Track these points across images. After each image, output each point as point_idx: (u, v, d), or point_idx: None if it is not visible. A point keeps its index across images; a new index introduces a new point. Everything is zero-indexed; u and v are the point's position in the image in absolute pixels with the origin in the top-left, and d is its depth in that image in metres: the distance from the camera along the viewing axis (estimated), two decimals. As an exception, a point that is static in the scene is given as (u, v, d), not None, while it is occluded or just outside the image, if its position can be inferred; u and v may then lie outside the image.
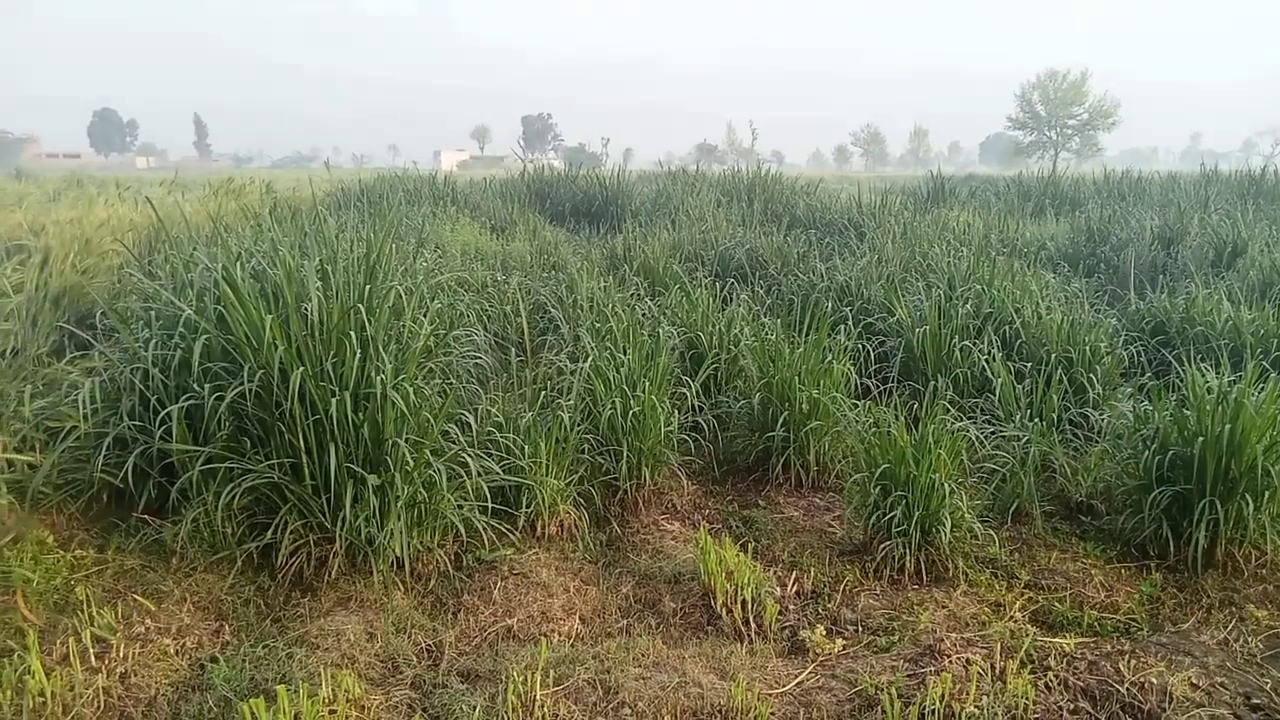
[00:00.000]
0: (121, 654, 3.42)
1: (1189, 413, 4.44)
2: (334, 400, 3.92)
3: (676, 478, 5.29)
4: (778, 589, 4.21)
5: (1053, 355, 6.11)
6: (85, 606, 3.63)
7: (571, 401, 5.01)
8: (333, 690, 3.12)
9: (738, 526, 5.02)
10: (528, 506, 4.58)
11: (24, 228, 7.82)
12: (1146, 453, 4.52)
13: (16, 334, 5.13)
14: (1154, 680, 3.30)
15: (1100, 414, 5.61)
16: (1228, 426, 4.20)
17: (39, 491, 4.22)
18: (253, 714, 2.78)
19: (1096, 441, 5.37)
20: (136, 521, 4.29)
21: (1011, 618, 3.92)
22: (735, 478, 5.64)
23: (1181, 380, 4.83)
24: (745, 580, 3.98)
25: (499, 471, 4.49)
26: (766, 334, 6.10)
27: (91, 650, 3.39)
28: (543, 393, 5.13)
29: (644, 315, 6.85)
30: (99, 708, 3.18)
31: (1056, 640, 3.66)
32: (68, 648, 3.33)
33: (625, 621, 3.99)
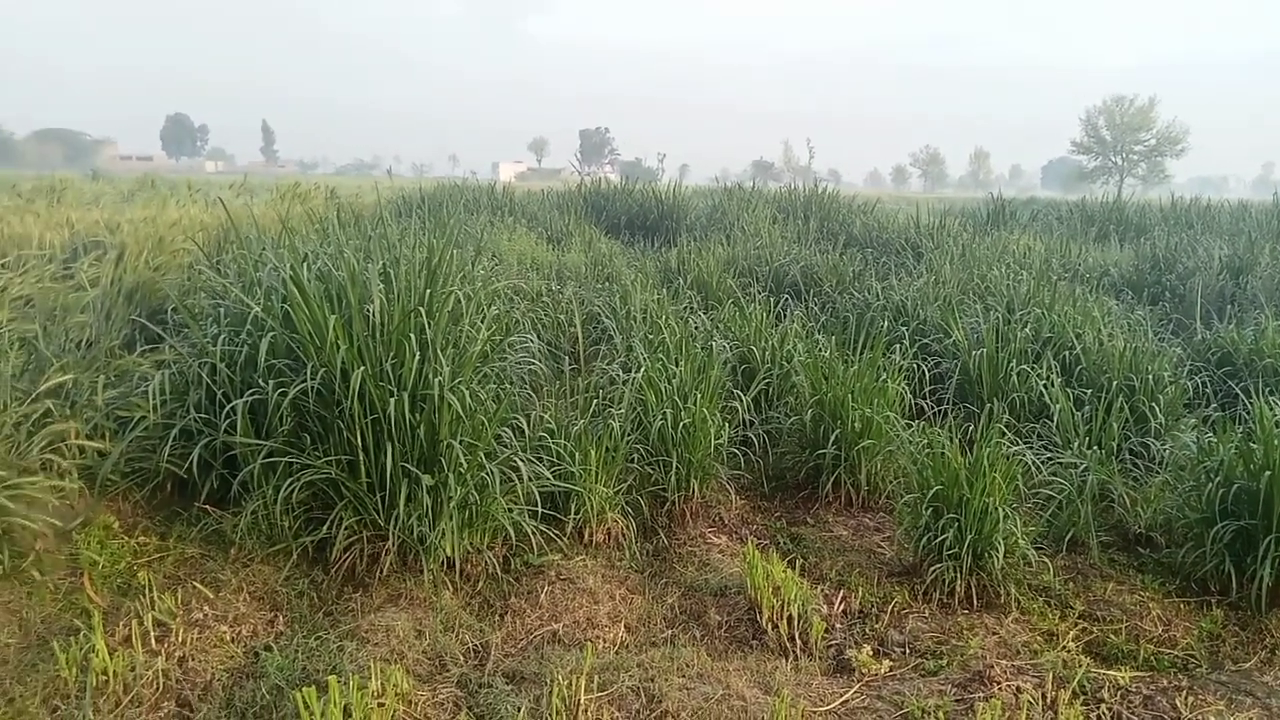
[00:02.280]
0: (180, 638, 3.52)
1: (1256, 446, 4.32)
2: (392, 400, 4.00)
3: (725, 491, 5.28)
4: (824, 607, 4.18)
5: (1114, 383, 5.98)
6: (147, 591, 3.74)
7: (622, 411, 5.04)
8: (382, 684, 3.17)
9: (785, 543, 5.00)
10: (576, 513, 4.61)
11: (101, 225, 8.11)
12: (1210, 485, 4.40)
13: (91, 326, 5.32)
14: (1213, 719, 3.20)
15: (1162, 444, 5.48)
16: (1297, 461, 4.07)
17: (107, 478, 4.37)
18: (305, 703, 2.84)
19: (1157, 472, 5.24)
20: (198, 511, 4.42)
21: (1065, 647, 3.84)
22: (784, 494, 5.62)
23: (1249, 413, 4.70)
24: (792, 596, 3.96)
25: (549, 477, 4.53)
26: (820, 351, 6.08)
27: (152, 633, 3.49)
28: (594, 401, 5.17)
29: (697, 328, 6.87)
30: (157, 689, 3.27)
31: (1111, 673, 3.58)
32: (130, 630, 3.44)
33: (670, 632, 3.99)
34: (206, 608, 3.78)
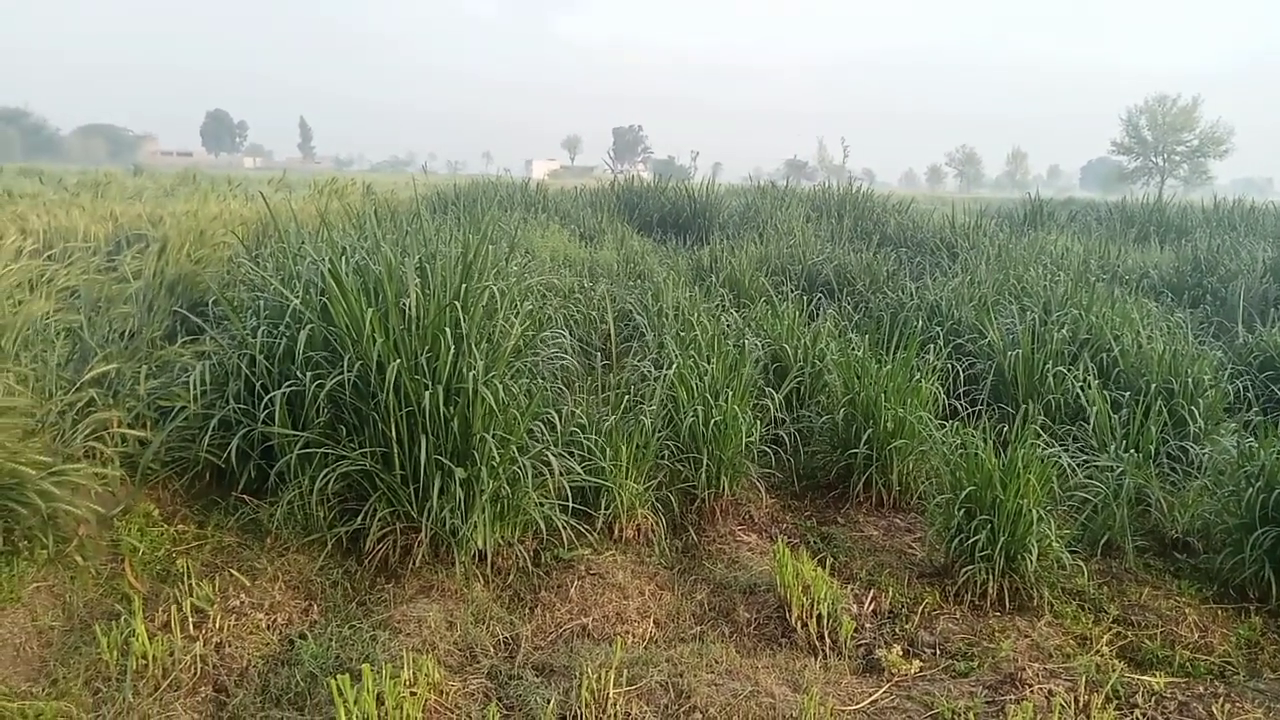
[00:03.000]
0: (218, 625, 3.59)
1: (1299, 451, 4.24)
2: (427, 393, 4.05)
3: (755, 489, 5.28)
4: (854, 606, 4.17)
5: (1152, 386, 5.89)
6: (185, 578, 3.82)
7: (654, 407, 5.06)
8: (413, 674, 3.21)
9: (815, 542, 4.99)
10: (606, 508, 4.63)
11: (144, 219, 8.27)
12: (1250, 491, 4.32)
13: (134, 317, 5.43)
14: (1250, 726, 3.15)
15: (1201, 449, 5.38)
16: (1341, 467, 3.99)
17: (148, 467, 4.46)
18: (339, 690, 2.89)
19: (1196, 477, 5.15)
20: (235, 501, 4.50)
21: (1098, 651, 3.80)
22: (815, 493, 5.60)
23: (1292, 417, 4.61)
24: (822, 595, 3.95)
25: (580, 472, 4.55)
26: (853, 350, 6.05)
27: (190, 619, 3.56)
28: (626, 397, 5.19)
29: (729, 326, 6.87)
30: (195, 673, 3.34)
31: (1145, 678, 3.53)
32: (169, 615, 3.52)
33: (699, 628, 4.00)
34: (243, 595, 3.85)
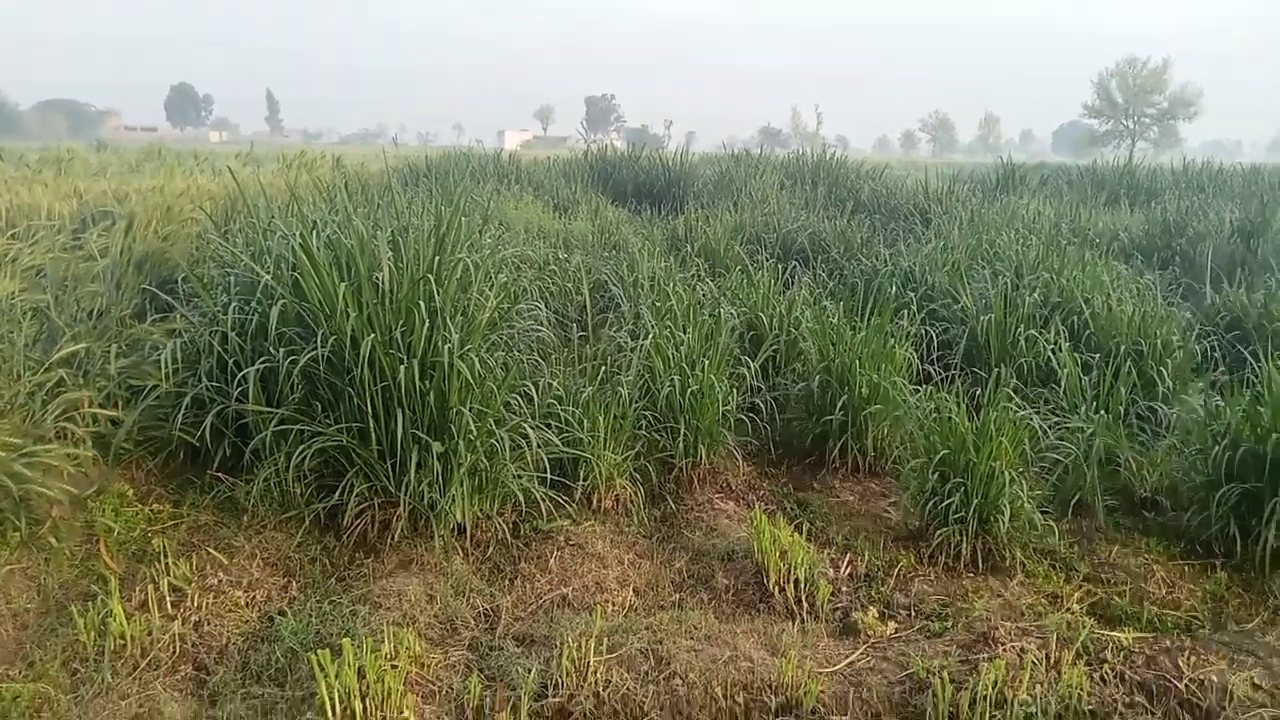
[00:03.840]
0: (196, 603, 3.58)
1: (1263, 409, 4.32)
2: (402, 368, 4.03)
3: (732, 458, 5.32)
4: (831, 571, 4.23)
5: (1122, 347, 5.97)
6: (162, 557, 3.80)
7: (630, 378, 5.07)
8: (394, 647, 3.22)
9: (792, 508, 5.04)
10: (585, 479, 4.64)
11: (109, 195, 8.12)
12: (1216, 449, 4.41)
13: (102, 296, 5.35)
14: (1214, 678, 3.24)
15: (1170, 409, 5.48)
16: (1304, 425, 4.08)
17: (121, 447, 4.42)
18: (319, 665, 2.90)
19: (1164, 436, 5.25)
20: (210, 479, 4.48)
21: (1069, 609, 3.88)
22: (791, 460, 5.65)
23: (1257, 377, 4.69)
24: (798, 560, 3.99)
25: (558, 444, 4.56)
26: (828, 317, 6.07)
27: (168, 598, 3.56)
28: (602, 368, 5.19)
29: (705, 295, 6.87)
30: (174, 652, 3.34)
31: (1114, 634, 3.61)
32: (146, 595, 3.51)
33: (678, 595, 4.04)
34: (221, 573, 3.85)
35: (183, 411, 4.44)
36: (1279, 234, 10.14)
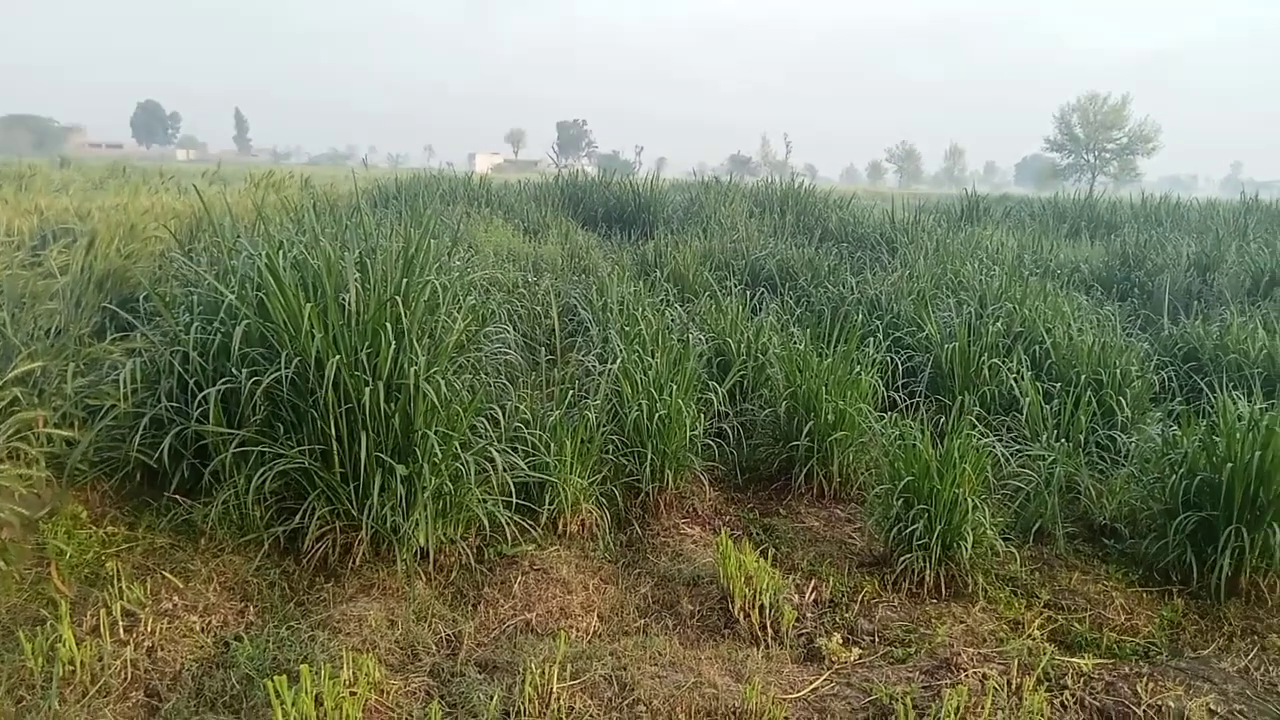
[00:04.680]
0: (149, 628, 3.50)
1: (1219, 439, 4.41)
2: (367, 389, 3.99)
3: (699, 483, 5.32)
4: (796, 596, 4.23)
5: (1082, 377, 6.07)
6: (115, 581, 3.71)
7: (598, 402, 5.06)
8: (353, 673, 3.17)
9: (758, 534, 5.04)
10: (551, 504, 4.62)
11: (71, 212, 8.00)
12: (1173, 477, 4.48)
13: (61, 314, 5.26)
14: (1171, 704, 3.28)
15: (1128, 437, 5.57)
16: (1258, 454, 4.16)
17: (76, 468, 4.33)
18: (275, 692, 2.84)
19: (1123, 465, 5.33)
20: (168, 501, 4.39)
21: (1030, 636, 3.91)
22: (757, 485, 5.66)
23: (1212, 407, 4.78)
24: (764, 586, 3.99)
25: (524, 468, 4.54)
26: (795, 344, 6.12)
27: (121, 623, 3.47)
28: (570, 392, 5.18)
29: (673, 320, 6.89)
30: (126, 679, 3.25)
31: (1074, 660, 3.65)
32: (98, 620, 3.42)
33: (643, 621, 4.02)
34: (176, 598, 3.77)
35: (141, 432, 4.35)
36: (1233, 268, 10.41)
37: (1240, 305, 8.66)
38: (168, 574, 3.90)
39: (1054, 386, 6.08)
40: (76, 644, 3.25)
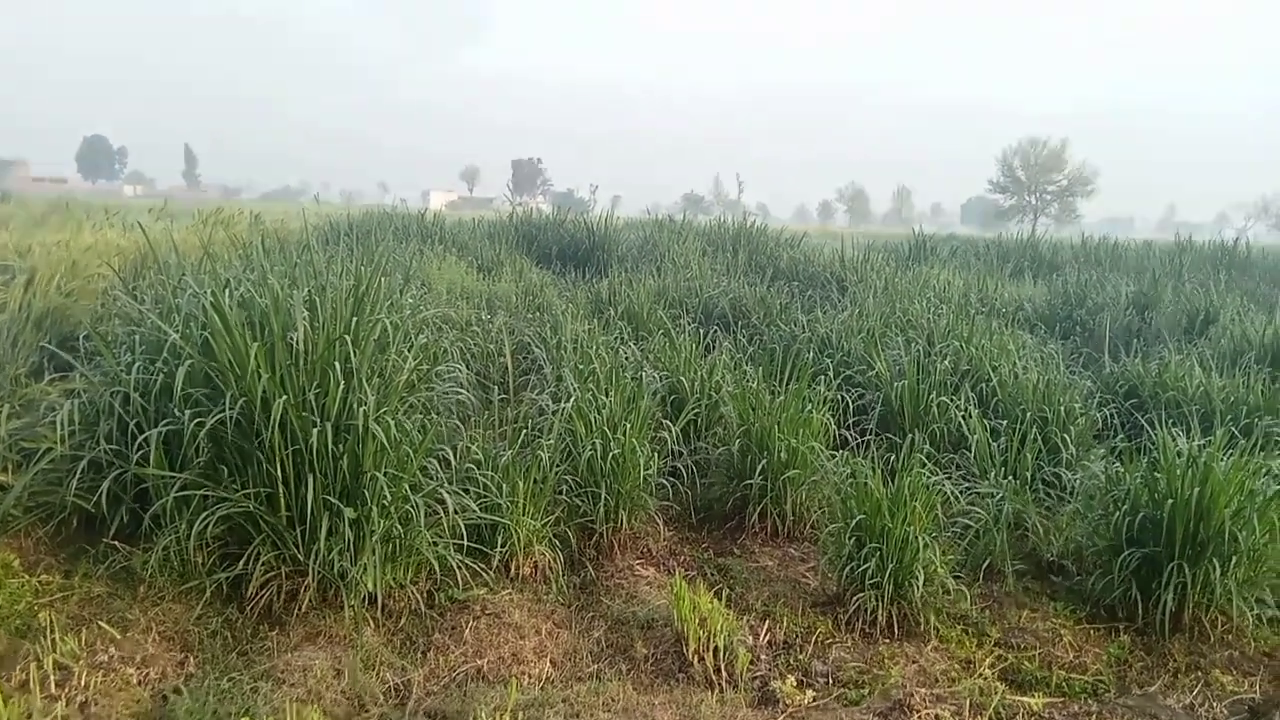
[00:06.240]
0: (82, 682, 3.37)
1: (1159, 475, 4.51)
2: (315, 430, 3.92)
3: (653, 523, 5.29)
4: (750, 638, 4.21)
5: (1028, 414, 6.18)
6: (48, 633, 3.57)
7: (552, 441, 5.02)
8: (298, 725, 3.08)
9: (712, 574, 5.02)
10: (503, 546, 4.56)
11: (10, 249, 7.79)
12: (1117, 514, 4.57)
13: (-5, 353, 5.10)
14: (1121, 741, 3.31)
15: (1073, 474, 5.67)
16: (1197, 490, 4.26)
17: (8, 514, 4.18)
18: (215, 746, 2.74)
19: (1069, 501, 5.42)
20: (106, 548, 4.24)
21: (981, 675, 3.93)
22: (712, 525, 5.65)
23: (1153, 443, 4.90)
24: (718, 628, 3.97)
25: (476, 509, 4.48)
26: (747, 382, 6.15)
27: (52, 677, 3.34)
28: (523, 431, 5.14)
29: (627, 359, 6.90)
30: (57, 736, 3.12)
31: (1025, 699, 3.68)
32: (28, 674, 3.29)
33: (596, 666, 3.97)
34: (112, 649, 3.63)
35: (78, 476, 4.21)
36: (1170, 307, 10.74)
37: (1177, 343, 8.94)
38: (104, 624, 3.76)
39: (1000, 424, 6.19)
40: (4, 700, 3.11)
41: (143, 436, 4.12)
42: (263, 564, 4.00)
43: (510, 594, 4.41)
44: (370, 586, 4.01)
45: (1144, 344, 9.37)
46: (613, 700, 3.54)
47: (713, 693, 3.73)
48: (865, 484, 4.56)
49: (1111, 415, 6.86)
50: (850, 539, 4.45)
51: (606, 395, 5.47)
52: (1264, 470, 4.54)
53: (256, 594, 4.01)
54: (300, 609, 3.98)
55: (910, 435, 6.00)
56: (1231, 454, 4.50)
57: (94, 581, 4.13)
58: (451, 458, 4.64)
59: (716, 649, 3.92)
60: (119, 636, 3.70)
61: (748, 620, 4.40)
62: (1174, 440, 4.71)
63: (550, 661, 3.95)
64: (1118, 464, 5.10)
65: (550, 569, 4.69)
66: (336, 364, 4.10)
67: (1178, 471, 4.41)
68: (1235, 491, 4.29)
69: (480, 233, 17.20)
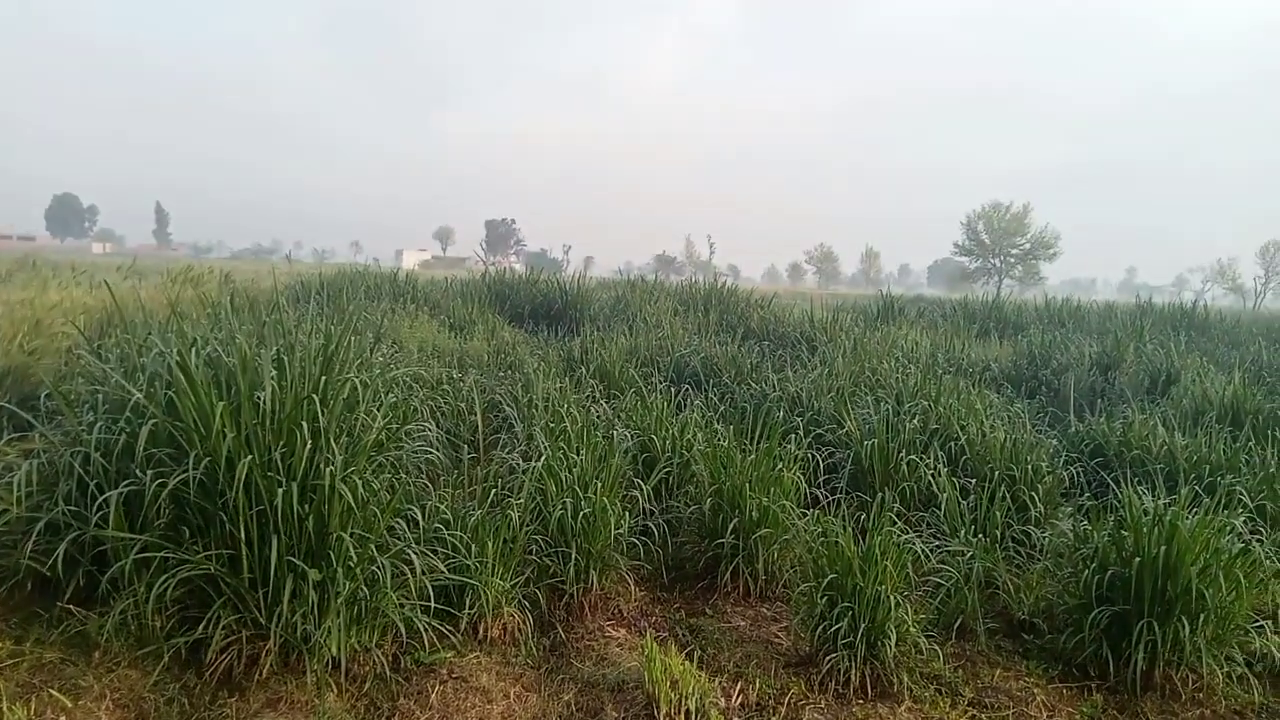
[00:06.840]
0: (31, 753, 3.24)
1: (1126, 534, 4.55)
2: (280, 490, 3.86)
3: (624, 583, 5.23)
4: (722, 700, 4.15)
5: (996, 472, 6.24)
6: (-3, 701, 3.44)
7: (522, 500, 4.98)
8: (255, 796, 2.97)
9: (684, 635, 4.96)
10: (471, 607, 4.48)
11: (-28, 306, 7.70)
12: (1086, 572, 4.59)
13: (-47, 412, 5.00)
14: (1095, 802, 3.27)
15: (1042, 532, 5.70)
16: (1163, 548, 4.30)
17: (-41, 577, 4.05)
18: (168, 819, 2.64)
19: (1038, 559, 5.44)
20: (60, 612, 4.12)
21: (955, 735, 3.89)
22: (683, 584, 5.59)
23: (1119, 501, 4.95)
24: (690, 690, 3.91)
25: (444, 570, 4.41)
26: (719, 440, 6.16)
27: (-1, 748, 3.21)
28: (493, 490, 5.10)
29: (599, 417, 6.89)
30: (1, 811, 2.99)
31: (1000, 759, 3.64)
32: (-27, 745, 3.16)
33: (566, 730, 3.88)
34: (64, 718, 3.50)
35: (34, 538, 4.10)
36: (1132, 367, 10.94)
37: (1141, 403, 9.09)
38: (55, 692, 3.63)
39: (969, 482, 6.23)
40: (-54, 773, 2.98)
41: (103, 497, 4.03)
42: (223, 627, 3.90)
43: (478, 656, 4.32)
44: (334, 650, 3.92)
45: (1108, 403, 9.53)
46: (582, 766, 3.45)
47: (684, 757, 3.65)
48: (836, 543, 4.56)
49: (1078, 473, 6.93)
50: (822, 598, 4.43)
51: (578, 453, 5.45)
52: (1228, 528, 4.60)
53: (216, 658, 3.90)
54: (261, 674, 3.88)
55: (880, 493, 6.01)
56: (1196, 512, 4.55)
57: (46, 647, 4.00)
58: (420, 517, 4.59)
59: (688, 711, 3.86)
60: (70, 705, 3.58)
61: (720, 682, 4.33)
62: (1140, 499, 4.77)
63: (518, 727, 3.86)
64: (1085, 522, 5.14)
65: (519, 630, 4.61)
66: (304, 423, 4.06)
67: (1144, 530, 4.45)
68: (1201, 549, 4.33)
69: (453, 291, 17.23)
